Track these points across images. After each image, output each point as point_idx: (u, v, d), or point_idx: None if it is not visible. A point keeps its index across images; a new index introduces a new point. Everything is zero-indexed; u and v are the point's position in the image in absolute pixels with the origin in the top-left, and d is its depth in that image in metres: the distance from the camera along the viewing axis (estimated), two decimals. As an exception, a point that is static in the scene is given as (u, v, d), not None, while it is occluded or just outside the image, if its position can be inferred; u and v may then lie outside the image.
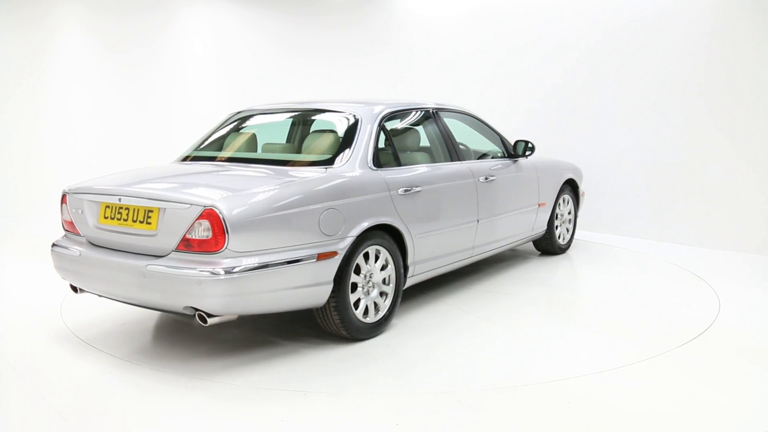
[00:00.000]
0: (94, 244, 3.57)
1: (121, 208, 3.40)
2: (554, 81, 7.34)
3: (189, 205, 3.13)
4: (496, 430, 2.66)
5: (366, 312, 3.67)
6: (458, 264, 4.51)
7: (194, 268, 3.05)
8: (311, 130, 4.32)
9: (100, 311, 4.27)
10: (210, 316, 3.11)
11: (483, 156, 4.96)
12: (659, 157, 6.52)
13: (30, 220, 7.77)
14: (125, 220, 3.37)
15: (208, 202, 3.08)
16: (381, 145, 4.01)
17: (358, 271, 3.60)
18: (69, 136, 8.65)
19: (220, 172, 3.82)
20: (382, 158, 3.93)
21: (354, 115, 3.98)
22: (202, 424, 2.73)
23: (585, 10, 7.02)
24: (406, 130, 4.47)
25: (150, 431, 2.68)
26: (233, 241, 3.05)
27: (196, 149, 4.35)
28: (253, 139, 4.31)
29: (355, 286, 3.59)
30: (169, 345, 3.67)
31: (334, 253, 3.37)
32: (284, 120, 4.58)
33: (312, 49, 9.52)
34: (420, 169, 4.16)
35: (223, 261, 3.05)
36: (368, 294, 3.68)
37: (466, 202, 4.41)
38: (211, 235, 3.06)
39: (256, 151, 4.24)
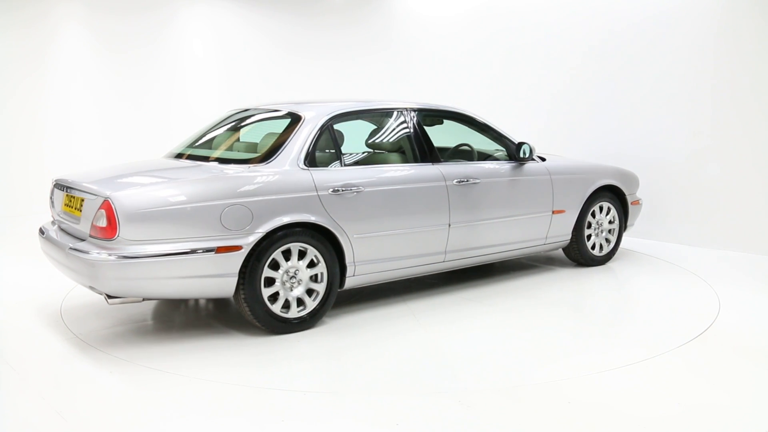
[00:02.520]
0: (61, 229, 3.98)
1: (71, 197, 3.82)
2: (555, 80, 7.34)
3: (96, 196, 3.52)
4: (496, 430, 2.66)
5: (287, 307, 3.76)
6: (426, 268, 4.39)
7: (92, 252, 3.39)
8: (265, 130, 4.36)
9: (101, 311, 4.27)
10: (111, 296, 3.45)
11: (487, 158, 4.85)
12: (659, 157, 6.52)
13: (30, 220, 7.76)
14: (71, 207, 3.80)
15: (107, 194, 3.42)
16: (324, 145, 4.09)
17: (278, 266, 3.72)
18: (69, 136, 8.64)
19: (162, 169, 3.98)
20: (319, 158, 4.01)
21: (300, 116, 4.08)
22: (203, 424, 2.73)
23: (586, 10, 7.01)
24: (361, 131, 4.49)
25: (149, 431, 2.68)
26: (124, 230, 3.35)
27: (183, 146, 4.50)
28: (229, 137, 4.40)
29: (273, 281, 3.70)
30: (169, 345, 3.67)
31: (237, 248, 3.53)
32: (264, 119, 4.57)
33: (312, 48, 9.52)
34: (364, 170, 4.11)
35: (115, 248, 3.37)
36: (291, 290, 3.76)
37: (430, 205, 4.28)
38: (107, 223, 3.40)
39: (227, 149, 4.30)
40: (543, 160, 5.13)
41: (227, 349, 3.63)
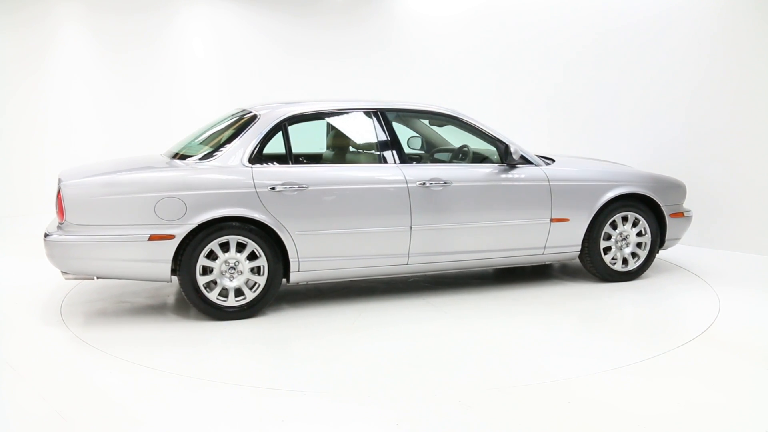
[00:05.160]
0: None
1: None
2: (555, 80, 7.34)
3: (57, 185, 3.94)
4: (496, 430, 2.66)
5: (225, 296, 4.01)
6: (386, 269, 4.36)
7: (53, 234, 3.86)
8: (230, 128, 4.44)
9: (101, 311, 4.28)
10: (64, 272, 3.91)
11: (483, 160, 4.71)
12: (659, 157, 6.51)
13: (30, 220, 7.76)
14: None
15: (61, 183, 3.89)
16: (275, 144, 4.23)
17: (217, 257, 3.99)
18: (69, 136, 8.64)
19: (130, 164, 4.26)
20: (267, 156, 4.19)
21: (257, 116, 4.28)
22: (202, 424, 2.73)
23: (586, 9, 7.01)
24: (320, 131, 4.56)
25: (149, 431, 2.68)
26: (69, 215, 3.83)
27: (180, 144, 4.62)
28: (212, 135, 4.48)
29: (211, 270, 3.98)
30: (169, 345, 3.68)
31: (170, 236, 3.86)
32: (241, 117, 4.57)
33: (312, 48, 9.52)
34: (311, 169, 4.25)
35: (65, 230, 3.86)
36: (231, 280, 4.00)
37: (387, 206, 4.24)
38: (58, 209, 3.90)
39: (206, 147, 4.37)
40: (552, 161, 4.92)
41: (224, 349, 3.64)
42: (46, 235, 3.90)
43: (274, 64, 9.52)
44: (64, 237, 3.83)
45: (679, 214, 5.04)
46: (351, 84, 9.31)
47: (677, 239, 5.09)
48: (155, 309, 4.34)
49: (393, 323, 4.03)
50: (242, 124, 4.29)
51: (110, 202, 3.85)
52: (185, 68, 9.24)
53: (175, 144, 4.73)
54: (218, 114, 5.11)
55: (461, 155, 4.80)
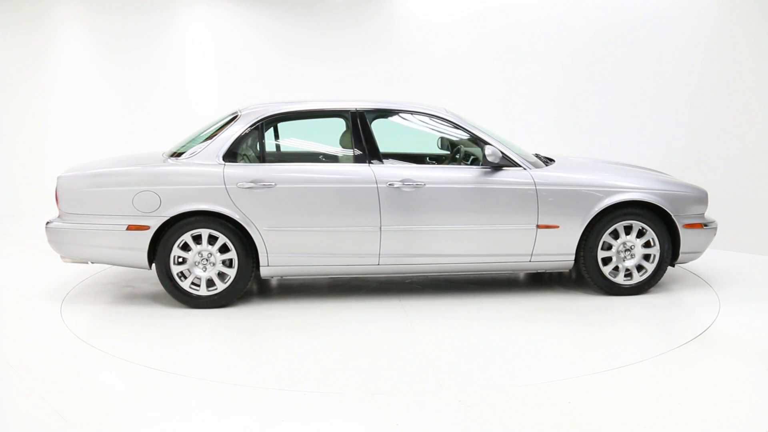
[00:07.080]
0: None
1: None
2: (553, 80, 7.34)
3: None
4: (497, 430, 2.66)
5: (197, 285, 4.27)
6: (357, 269, 4.38)
7: (50, 222, 4.31)
8: (218, 127, 4.55)
9: (101, 311, 4.28)
10: (62, 256, 4.35)
11: (474, 162, 4.59)
12: (658, 157, 6.52)
13: (30, 220, 7.76)
14: None
15: (58, 176, 4.31)
16: (252, 143, 4.45)
17: (190, 248, 4.25)
18: (70, 137, 8.64)
19: (123, 161, 4.55)
20: (240, 155, 4.37)
21: (238, 115, 4.47)
22: (202, 424, 2.73)
23: (584, 9, 7.02)
24: (301, 130, 4.70)
25: (150, 431, 2.68)
26: (62, 204, 4.29)
27: (179, 144, 4.74)
28: (205, 135, 4.59)
29: (184, 261, 4.26)
30: (169, 345, 3.68)
31: (145, 227, 4.18)
32: (231, 117, 4.71)
33: (312, 49, 9.52)
34: (280, 168, 4.35)
35: (60, 218, 4.31)
36: (205, 270, 4.24)
37: (355, 205, 4.25)
38: (55, 198, 4.32)
39: (195, 144, 4.56)
40: (551, 162, 4.74)
41: (226, 349, 3.64)
42: (47, 223, 4.32)
43: (274, 64, 9.51)
44: (59, 224, 4.28)
45: (697, 225, 4.55)
46: (351, 84, 9.31)
47: (697, 253, 4.61)
48: (156, 300, 4.36)
49: (391, 320, 4.03)
50: (225, 123, 4.47)
51: (96, 194, 4.23)
52: (185, 68, 9.24)
53: (176, 143, 4.82)
54: (219, 114, 5.13)
55: (458, 156, 4.79)
